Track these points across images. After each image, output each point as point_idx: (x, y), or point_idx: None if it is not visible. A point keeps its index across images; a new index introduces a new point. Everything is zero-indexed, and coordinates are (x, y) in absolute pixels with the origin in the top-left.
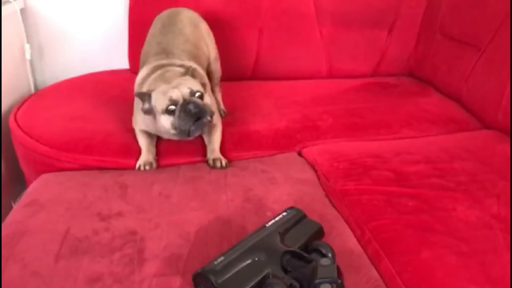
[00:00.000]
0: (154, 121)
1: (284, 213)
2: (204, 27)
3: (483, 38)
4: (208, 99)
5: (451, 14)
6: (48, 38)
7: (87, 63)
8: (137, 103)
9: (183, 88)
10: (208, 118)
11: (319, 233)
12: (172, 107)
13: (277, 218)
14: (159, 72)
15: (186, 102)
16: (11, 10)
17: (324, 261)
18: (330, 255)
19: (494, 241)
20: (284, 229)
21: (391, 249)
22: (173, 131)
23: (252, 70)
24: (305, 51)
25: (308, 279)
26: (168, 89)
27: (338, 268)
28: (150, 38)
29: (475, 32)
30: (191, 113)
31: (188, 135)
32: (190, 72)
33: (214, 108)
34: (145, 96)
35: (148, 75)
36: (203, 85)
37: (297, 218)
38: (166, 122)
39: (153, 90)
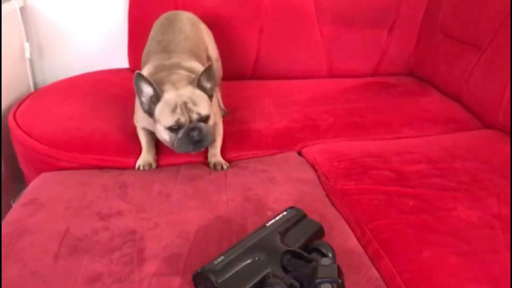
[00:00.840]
0: (152, 122)
1: (284, 213)
2: (203, 27)
3: (484, 38)
4: (212, 120)
5: (452, 14)
6: (48, 37)
7: (86, 62)
8: (138, 103)
9: (193, 113)
10: (207, 143)
11: (319, 232)
12: (176, 126)
13: (277, 218)
14: (163, 73)
15: (190, 128)
16: (11, 9)
17: (325, 261)
18: (330, 254)
19: (495, 241)
20: (284, 228)
21: (392, 248)
22: (169, 145)
23: (252, 70)
24: (305, 51)
25: (309, 279)
26: (176, 105)
27: (338, 268)
28: (151, 38)
29: (475, 32)
30: (193, 139)
31: (184, 152)
32: (195, 82)
33: (216, 109)
34: (152, 87)
35: (151, 74)
36: (210, 97)
37: (297, 217)
38: (164, 135)
39: (161, 92)
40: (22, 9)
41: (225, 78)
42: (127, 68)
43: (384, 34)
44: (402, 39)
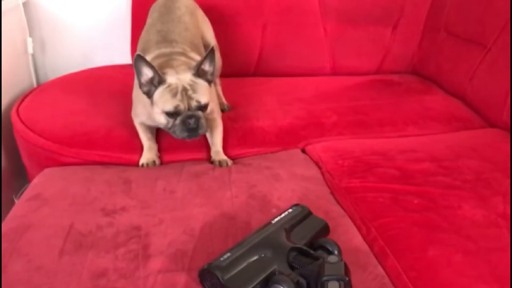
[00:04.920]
0: (151, 107)
1: (290, 210)
2: (200, 14)
3: (489, 36)
4: (210, 108)
5: (456, 12)
6: (51, 32)
7: (89, 58)
8: (137, 95)
9: (192, 100)
10: (202, 132)
11: (325, 230)
12: (174, 112)
13: (282, 215)
14: (163, 59)
15: (188, 115)
16: (13, 4)
17: (332, 258)
18: (336, 252)
19: (500, 239)
20: (290, 225)
21: (397, 247)
22: (163, 127)
23: (255, 66)
24: (309, 48)
25: (315, 276)
26: (177, 90)
27: (345, 266)
28: (149, 26)
29: (480, 30)
30: (189, 126)
31: (178, 138)
32: (196, 68)
33: (215, 103)
34: (153, 70)
35: (152, 61)
36: (210, 83)
37: (303, 215)
38: (161, 119)
39: (164, 74)
40: (25, 4)
41: (228, 74)
42: (130, 64)
43: (388, 32)
44: (406, 37)
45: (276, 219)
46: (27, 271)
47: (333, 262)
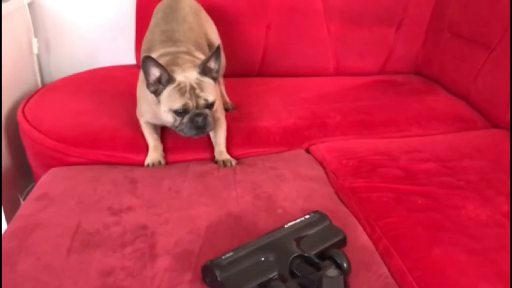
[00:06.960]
0: (157, 105)
1: (307, 216)
2: (203, 14)
3: (493, 37)
4: (216, 104)
5: (460, 12)
6: (56, 32)
7: (94, 58)
8: (141, 94)
9: (200, 99)
10: (209, 130)
11: (341, 241)
12: (182, 110)
13: (298, 220)
14: (168, 57)
15: (196, 114)
16: (19, 4)
17: (331, 272)
18: (345, 265)
19: (504, 239)
20: (302, 232)
21: (402, 246)
22: (170, 126)
23: (259, 67)
24: (313, 48)
25: None
26: (186, 89)
27: (345, 280)
28: (153, 26)
29: (484, 31)
30: (197, 124)
31: (185, 135)
32: (202, 66)
33: (219, 102)
34: (161, 69)
35: (157, 59)
36: (215, 80)
37: (320, 223)
38: (169, 117)
39: (173, 71)
40: (30, 5)
41: (231, 75)
42: (134, 65)
43: (391, 32)
44: (409, 38)
45: (289, 224)
46: (35, 269)
47: (332, 277)
